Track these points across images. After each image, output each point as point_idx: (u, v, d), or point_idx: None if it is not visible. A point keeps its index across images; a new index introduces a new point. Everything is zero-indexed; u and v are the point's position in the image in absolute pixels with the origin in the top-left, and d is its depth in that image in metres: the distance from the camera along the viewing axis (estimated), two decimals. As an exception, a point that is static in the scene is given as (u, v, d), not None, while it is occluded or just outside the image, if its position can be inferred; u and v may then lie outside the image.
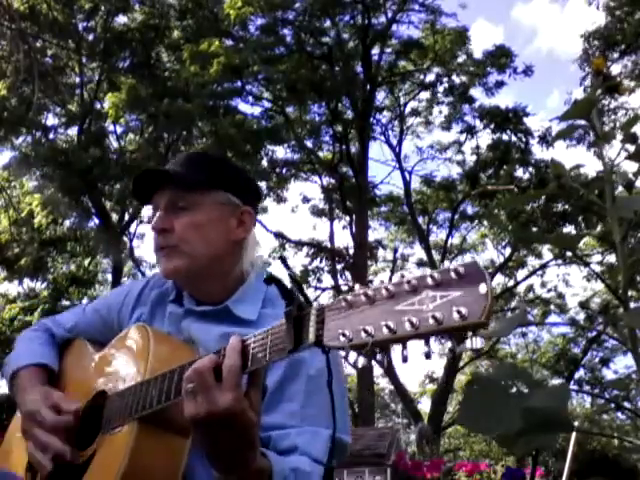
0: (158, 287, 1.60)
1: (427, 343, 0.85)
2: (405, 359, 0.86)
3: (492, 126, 17.10)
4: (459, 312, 0.81)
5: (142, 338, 1.42)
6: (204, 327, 1.45)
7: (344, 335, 0.90)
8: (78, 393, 1.49)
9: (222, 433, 1.05)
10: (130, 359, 1.42)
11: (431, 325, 0.83)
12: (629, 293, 0.86)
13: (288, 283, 1.09)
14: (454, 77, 17.85)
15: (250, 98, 16.96)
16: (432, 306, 0.84)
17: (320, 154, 18.66)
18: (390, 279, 0.91)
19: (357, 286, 0.94)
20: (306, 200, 19.49)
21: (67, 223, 16.53)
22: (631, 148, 0.85)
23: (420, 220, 19.06)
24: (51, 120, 16.23)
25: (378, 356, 0.90)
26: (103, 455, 1.31)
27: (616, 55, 15.10)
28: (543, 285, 20.76)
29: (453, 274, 0.84)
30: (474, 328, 0.82)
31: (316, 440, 1.25)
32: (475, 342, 0.84)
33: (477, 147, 18.06)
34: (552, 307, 20.97)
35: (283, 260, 1.10)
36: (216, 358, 1.08)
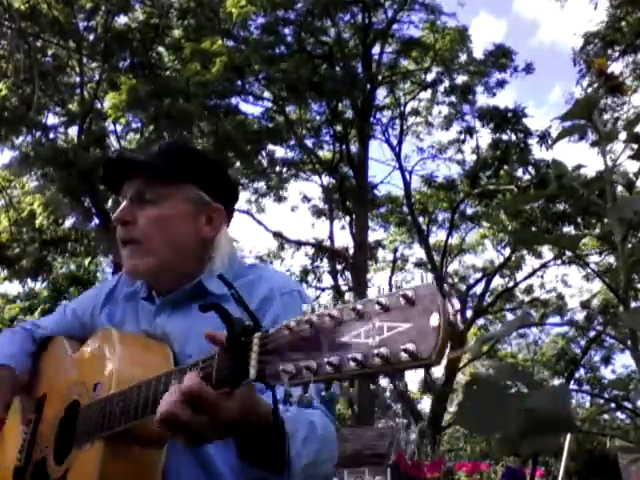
0: (128, 285, 1.54)
1: (374, 382, 0.77)
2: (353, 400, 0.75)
3: (492, 126, 17.12)
4: (406, 350, 0.71)
5: (108, 342, 1.34)
6: (180, 320, 1.39)
7: (285, 371, 0.82)
8: (57, 396, 1.45)
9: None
10: (97, 366, 1.35)
11: (377, 364, 0.73)
12: (629, 293, 0.86)
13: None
14: (455, 76, 17.89)
15: (251, 98, 17.00)
16: (378, 340, 0.74)
17: (320, 154, 18.69)
18: (338, 302, 0.81)
19: (305, 309, 0.84)
20: (306, 199, 19.52)
21: (68, 223, 16.56)
22: (634, 148, 0.85)
23: (420, 220, 19.08)
24: (51, 119, 16.26)
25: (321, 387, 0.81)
26: (75, 473, 1.28)
27: (615, 54, 15.11)
28: (542, 286, 20.80)
29: (402, 300, 0.73)
30: (426, 367, 0.72)
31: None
32: (433, 374, 0.73)
33: (477, 147, 18.09)
34: (552, 308, 20.99)
35: (222, 278, 1.00)
36: (177, 397, 0.95)
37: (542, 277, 20.10)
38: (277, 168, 17.95)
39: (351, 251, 18.18)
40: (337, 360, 0.77)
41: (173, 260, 1.38)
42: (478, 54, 17.63)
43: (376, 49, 18.01)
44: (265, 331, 0.90)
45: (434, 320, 0.70)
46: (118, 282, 1.57)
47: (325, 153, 18.87)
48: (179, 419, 0.94)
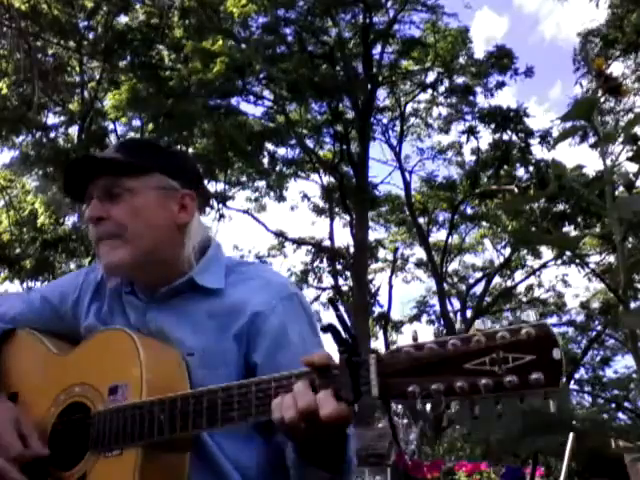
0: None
1: (497, 404, 0.88)
2: (476, 417, 0.89)
3: (493, 126, 17.10)
4: (536, 379, 0.84)
5: (124, 344, 1.28)
6: (174, 315, 1.36)
7: (413, 393, 0.92)
8: (38, 397, 1.37)
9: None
10: (112, 368, 1.28)
11: (507, 389, 0.86)
12: (629, 293, 0.86)
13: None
14: (455, 77, 17.87)
15: (251, 97, 16.99)
16: (505, 368, 0.87)
17: (320, 153, 18.67)
18: (464, 331, 0.92)
19: (415, 334, 0.95)
20: (306, 198, 19.49)
21: (68, 223, 16.54)
22: (633, 148, 0.85)
23: (420, 220, 19.06)
24: (51, 119, 16.25)
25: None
26: (100, 478, 1.23)
27: (616, 54, 15.08)
28: (541, 285, 20.76)
29: (524, 335, 0.87)
30: (548, 391, 0.85)
31: None
32: None
33: (477, 147, 18.08)
34: (552, 307, 20.95)
35: (332, 302, 1.09)
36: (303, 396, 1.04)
37: (539, 277, 20.09)
38: (277, 168, 17.95)
39: (351, 250, 18.16)
40: (467, 385, 0.88)
41: (152, 249, 1.35)
42: (480, 52, 17.65)
43: (377, 49, 18.00)
44: (378, 353, 0.99)
45: (556, 354, 0.85)
46: (104, 275, 1.48)
47: (325, 152, 18.86)
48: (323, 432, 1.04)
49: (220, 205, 16.97)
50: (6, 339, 1.50)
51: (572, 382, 19.11)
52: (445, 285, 19.10)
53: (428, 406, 0.92)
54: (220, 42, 15.02)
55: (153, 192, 1.37)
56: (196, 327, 1.33)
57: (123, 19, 15.62)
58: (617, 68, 14.98)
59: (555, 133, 15.44)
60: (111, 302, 1.46)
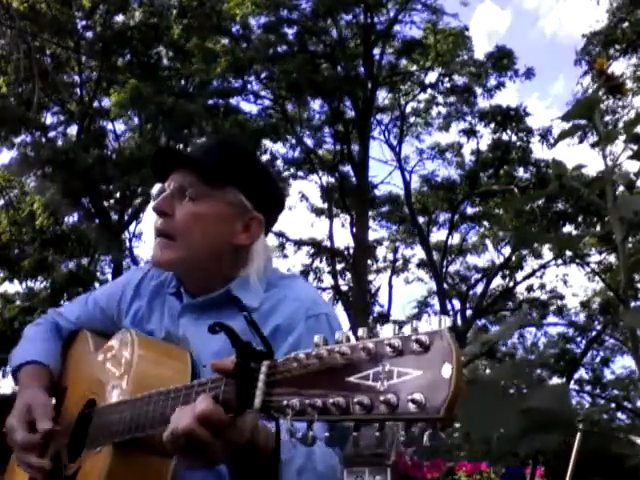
0: (157, 277, 1.52)
1: (380, 429, 0.71)
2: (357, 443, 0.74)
3: (492, 125, 17.11)
4: (414, 400, 0.67)
5: (126, 345, 1.35)
6: (204, 326, 1.30)
7: (289, 406, 0.80)
8: (76, 392, 1.47)
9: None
10: (115, 368, 1.36)
11: (382, 411, 0.70)
12: (629, 293, 0.86)
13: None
14: (455, 77, 17.88)
15: (251, 97, 17.00)
16: (387, 385, 0.70)
17: (320, 152, 18.67)
18: (354, 336, 0.78)
19: (317, 339, 0.82)
20: (305, 199, 19.45)
21: (68, 222, 16.54)
22: (634, 148, 0.85)
23: (420, 220, 19.05)
24: (50, 119, 16.24)
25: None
26: (84, 474, 1.28)
27: (617, 54, 15.09)
28: (542, 286, 20.72)
29: (415, 344, 0.70)
30: (432, 422, 0.68)
31: None
32: (428, 438, 0.68)
33: (477, 148, 18.08)
34: (552, 308, 20.93)
35: (246, 317, 0.98)
36: (193, 418, 0.94)
37: (542, 277, 20.05)
38: (276, 167, 17.93)
39: (351, 251, 18.16)
40: (343, 401, 0.74)
41: (200, 260, 1.37)
42: (482, 47, 17.70)
43: (377, 49, 18.00)
44: (274, 360, 0.88)
45: (446, 371, 0.67)
46: (146, 275, 1.55)
47: (325, 152, 18.85)
48: (199, 439, 0.94)
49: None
50: (72, 339, 1.62)
51: (572, 382, 19.13)
52: (446, 285, 19.08)
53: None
54: (222, 43, 15.04)
55: (223, 206, 1.37)
56: (221, 344, 1.27)
57: (121, 18, 15.62)
58: (617, 68, 14.99)
59: (556, 131, 15.47)
60: (152, 301, 1.50)
